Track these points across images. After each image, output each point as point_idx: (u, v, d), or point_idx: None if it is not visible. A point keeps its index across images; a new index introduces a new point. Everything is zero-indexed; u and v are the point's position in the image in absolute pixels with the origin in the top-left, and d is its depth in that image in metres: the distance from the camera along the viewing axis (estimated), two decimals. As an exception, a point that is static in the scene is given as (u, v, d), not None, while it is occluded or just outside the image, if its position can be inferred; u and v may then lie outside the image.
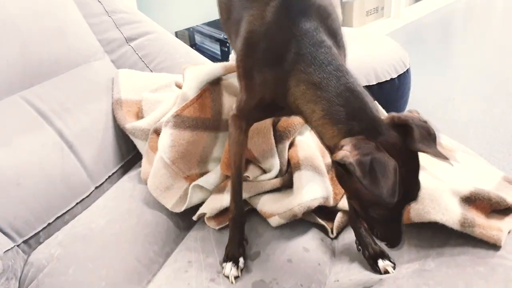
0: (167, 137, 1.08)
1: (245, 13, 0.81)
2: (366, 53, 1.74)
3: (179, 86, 1.30)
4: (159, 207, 1.05)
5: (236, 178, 0.94)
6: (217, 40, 2.55)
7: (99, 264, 0.91)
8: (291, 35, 0.73)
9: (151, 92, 1.30)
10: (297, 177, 1.04)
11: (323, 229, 1.02)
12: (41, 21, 1.19)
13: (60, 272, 0.89)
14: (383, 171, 0.58)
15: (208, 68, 1.14)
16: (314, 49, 0.71)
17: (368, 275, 0.87)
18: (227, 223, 0.98)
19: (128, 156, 1.25)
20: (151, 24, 1.52)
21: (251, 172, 1.08)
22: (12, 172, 0.99)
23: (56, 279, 0.88)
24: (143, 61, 1.43)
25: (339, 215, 1.02)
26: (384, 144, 0.62)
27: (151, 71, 1.44)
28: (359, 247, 0.92)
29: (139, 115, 1.27)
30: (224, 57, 2.54)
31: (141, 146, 1.21)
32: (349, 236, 0.96)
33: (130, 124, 1.20)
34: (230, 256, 0.92)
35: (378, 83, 1.60)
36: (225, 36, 2.43)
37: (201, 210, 1.04)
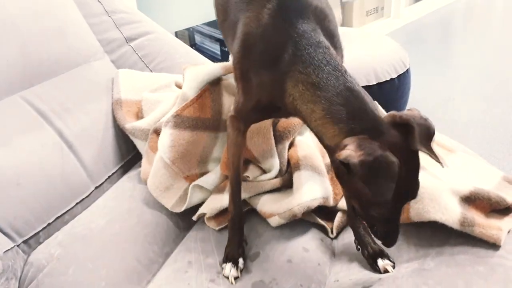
0: (167, 137, 1.08)
1: (242, 15, 0.81)
2: (366, 53, 1.74)
3: (179, 86, 1.30)
4: (159, 207, 1.05)
5: (234, 179, 0.94)
6: (217, 40, 2.55)
7: (99, 264, 0.91)
8: (288, 36, 0.73)
9: (151, 92, 1.30)
10: (297, 177, 1.04)
11: (323, 229, 1.02)
12: (41, 21, 1.19)
13: (60, 272, 0.89)
14: (386, 171, 0.58)
15: (208, 68, 1.14)
16: (312, 50, 0.71)
17: (368, 275, 0.87)
18: (227, 223, 0.98)
19: (128, 156, 1.25)
20: (151, 24, 1.52)
21: (251, 172, 1.08)
22: (12, 172, 0.99)
23: (56, 279, 0.88)
24: (143, 61, 1.43)
25: (339, 215, 1.02)
26: (386, 143, 0.62)
27: (151, 71, 1.44)
28: (358, 246, 0.92)
29: (139, 115, 1.27)
30: (224, 57, 2.54)
31: (141, 146, 1.21)
32: (349, 236, 0.96)
33: (130, 124, 1.20)
34: (230, 256, 0.92)
35: (378, 83, 1.60)
36: (225, 36, 2.43)
37: (201, 210, 1.04)
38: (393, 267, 0.87)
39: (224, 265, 0.92)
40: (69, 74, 1.23)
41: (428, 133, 0.64)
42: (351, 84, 0.69)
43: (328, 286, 0.88)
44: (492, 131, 2.18)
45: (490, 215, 0.89)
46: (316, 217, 1.01)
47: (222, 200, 1.02)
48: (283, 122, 1.12)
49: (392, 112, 0.67)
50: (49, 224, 1.02)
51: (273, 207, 1.00)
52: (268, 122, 1.10)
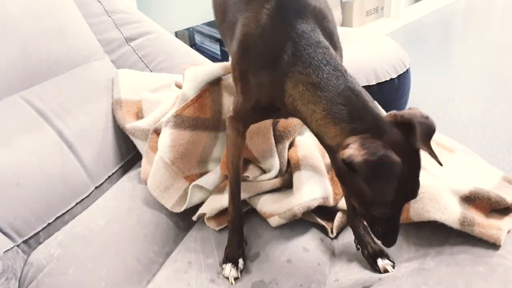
0: (167, 137, 1.08)
1: (240, 16, 0.80)
2: (366, 53, 1.74)
3: (179, 86, 1.30)
4: (159, 207, 1.05)
5: (234, 180, 0.94)
6: (217, 40, 2.55)
7: (98, 264, 0.91)
8: (287, 36, 0.73)
9: (151, 92, 1.30)
10: (296, 177, 1.04)
11: (323, 229, 1.02)
12: (41, 21, 1.19)
13: (60, 272, 0.89)
14: (389, 170, 0.58)
15: (208, 68, 1.14)
16: (311, 50, 0.71)
17: (368, 274, 0.87)
18: (227, 224, 0.98)
19: (128, 156, 1.25)
20: (151, 24, 1.52)
21: (251, 172, 1.08)
22: (12, 172, 0.99)
23: (56, 279, 0.88)
24: (143, 61, 1.44)
25: (338, 215, 1.02)
26: (389, 143, 0.62)
27: (151, 71, 1.44)
28: (358, 246, 0.92)
29: (139, 115, 1.27)
30: (224, 57, 2.54)
31: (141, 146, 1.21)
32: (348, 236, 0.96)
33: (130, 124, 1.20)
34: (230, 257, 0.92)
35: (378, 83, 1.60)
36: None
37: (201, 211, 1.04)
38: (393, 266, 0.87)
39: (224, 265, 0.92)
40: (69, 74, 1.23)
41: (429, 132, 0.64)
42: (352, 84, 0.68)
43: (328, 286, 0.89)
44: (492, 131, 2.18)
45: (490, 215, 0.89)
46: (316, 217, 1.01)
47: (222, 200, 1.02)
48: (283, 122, 1.12)
49: (393, 111, 0.67)
50: (49, 224, 1.02)
51: (273, 207, 1.00)
52: (268, 122, 1.10)
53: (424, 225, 0.89)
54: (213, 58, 2.41)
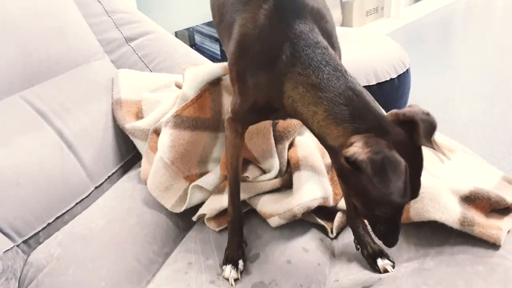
0: (166, 137, 1.08)
1: (238, 16, 0.80)
2: (366, 53, 1.74)
3: (179, 86, 1.30)
4: (159, 207, 1.05)
5: (233, 181, 0.94)
6: (217, 40, 2.55)
7: (98, 264, 0.91)
8: (285, 37, 0.72)
9: (150, 92, 1.30)
10: (296, 177, 1.04)
11: (322, 229, 1.02)
12: (41, 21, 1.19)
13: (59, 272, 0.89)
14: (394, 170, 0.58)
15: (208, 68, 1.14)
16: (310, 51, 0.71)
17: (368, 275, 0.87)
18: (227, 225, 0.98)
19: (128, 156, 1.25)
20: (151, 24, 1.52)
21: (251, 172, 1.08)
22: (12, 172, 0.99)
23: (56, 279, 0.88)
24: (142, 61, 1.43)
25: (338, 215, 1.02)
26: (392, 142, 0.62)
27: (151, 71, 1.44)
28: (358, 246, 0.92)
29: (139, 115, 1.27)
30: (224, 57, 2.53)
31: (141, 146, 1.21)
32: (348, 236, 0.96)
33: (130, 124, 1.20)
34: (230, 258, 0.92)
35: (378, 83, 1.60)
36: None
37: (200, 211, 1.04)
38: (393, 266, 0.87)
39: (224, 267, 0.91)
40: (69, 74, 1.23)
41: (431, 128, 0.64)
42: (352, 84, 0.68)
43: (328, 286, 0.88)
44: (492, 131, 2.18)
45: (490, 215, 0.89)
46: (316, 217, 1.01)
47: (222, 201, 1.02)
48: (282, 122, 1.12)
49: (394, 110, 0.67)
50: (49, 224, 1.02)
51: (273, 207, 1.00)
52: (268, 123, 1.10)
53: (424, 225, 0.88)
54: (213, 58, 2.41)
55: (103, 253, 0.94)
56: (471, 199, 0.89)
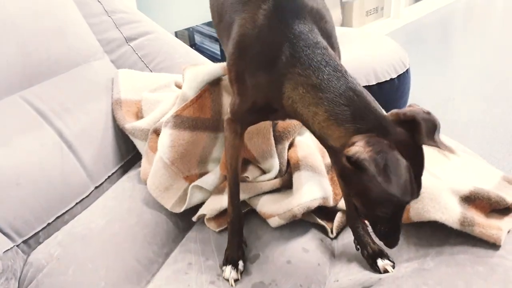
0: (166, 137, 1.08)
1: (237, 16, 0.80)
2: (366, 53, 1.74)
3: (179, 86, 1.30)
4: (159, 207, 1.05)
5: (232, 182, 0.94)
6: (217, 40, 2.55)
7: (98, 264, 0.91)
8: (285, 37, 0.72)
9: (150, 92, 1.30)
10: (296, 177, 1.04)
11: (322, 229, 1.02)
12: (41, 21, 1.19)
13: (59, 272, 0.89)
14: (396, 169, 0.58)
15: (207, 68, 1.14)
16: (310, 51, 0.70)
17: (368, 275, 0.87)
18: (227, 225, 0.97)
19: (128, 156, 1.25)
20: (150, 24, 1.52)
21: (251, 172, 1.08)
22: (11, 172, 0.99)
23: (56, 279, 0.88)
24: (142, 61, 1.43)
25: (338, 215, 1.02)
26: (394, 142, 0.61)
27: (151, 71, 1.44)
28: (358, 246, 0.92)
29: (139, 115, 1.27)
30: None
31: (141, 146, 1.21)
32: (348, 236, 0.96)
33: (130, 124, 1.20)
34: (230, 259, 0.92)
35: (378, 83, 1.60)
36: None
37: (200, 211, 1.04)
38: (393, 267, 0.87)
39: (224, 267, 0.91)
40: (69, 74, 1.22)
41: (433, 127, 0.64)
42: (353, 84, 0.68)
43: (328, 287, 0.88)
44: (492, 131, 2.18)
45: (490, 215, 0.89)
46: (316, 217, 1.01)
47: (222, 201, 1.02)
48: (282, 122, 1.12)
49: (395, 110, 0.67)
50: (48, 224, 1.02)
51: (273, 207, 0.99)
52: (268, 123, 1.10)
53: (424, 225, 0.88)
54: (213, 58, 2.41)
55: (103, 253, 0.94)
56: (471, 199, 0.89)
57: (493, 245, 0.82)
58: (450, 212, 0.85)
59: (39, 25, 1.18)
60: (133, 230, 0.99)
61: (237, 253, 0.93)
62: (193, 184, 1.05)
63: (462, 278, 0.77)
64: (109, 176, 1.17)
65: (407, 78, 1.71)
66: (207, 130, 1.11)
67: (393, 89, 1.64)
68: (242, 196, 1.00)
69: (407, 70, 1.70)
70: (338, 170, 0.72)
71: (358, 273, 0.89)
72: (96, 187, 1.13)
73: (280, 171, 1.09)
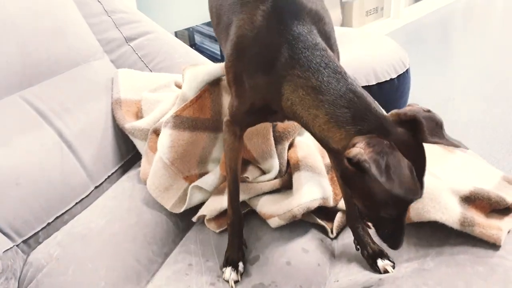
0: (166, 137, 1.07)
1: (235, 17, 0.79)
2: (365, 53, 1.74)
3: (179, 86, 1.30)
4: (158, 207, 1.05)
5: (232, 183, 0.93)
6: (217, 40, 2.55)
7: (98, 264, 0.91)
8: (283, 39, 0.72)
9: (150, 92, 1.30)
10: (296, 178, 1.04)
11: (322, 230, 1.02)
12: (41, 21, 1.19)
13: (59, 272, 0.89)
14: (398, 169, 0.57)
15: (207, 68, 1.14)
16: (309, 53, 0.70)
17: (368, 275, 0.87)
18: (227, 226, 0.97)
19: (128, 156, 1.25)
20: (150, 24, 1.52)
21: (251, 173, 1.08)
22: (11, 172, 0.98)
23: (55, 279, 0.88)
24: (142, 61, 1.43)
25: (338, 215, 1.02)
26: (396, 142, 0.61)
27: (151, 71, 1.44)
28: (358, 246, 0.92)
29: (139, 115, 1.27)
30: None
31: (141, 146, 1.21)
32: (348, 236, 0.96)
33: (130, 124, 1.20)
34: (230, 260, 0.92)
35: (378, 83, 1.60)
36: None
37: (200, 212, 1.04)
38: (393, 267, 0.87)
39: (224, 269, 0.91)
40: (68, 74, 1.22)
41: (435, 124, 0.64)
42: (353, 86, 0.68)
43: (328, 287, 0.88)
44: (492, 131, 2.18)
45: (490, 215, 0.89)
46: (316, 217, 1.01)
47: (222, 202, 1.02)
48: (282, 123, 1.12)
49: (395, 110, 0.67)
50: (48, 224, 1.02)
51: (273, 208, 0.99)
52: (267, 123, 1.10)
53: (424, 225, 0.88)
54: (213, 58, 2.41)
55: (102, 253, 0.94)
56: (471, 199, 0.89)
57: (493, 245, 0.82)
58: (450, 212, 0.85)
59: (39, 25, 1.18)
60: (133, 230, 0.99)
61: (237, 254, 0.93)
62: (193, 184, 1.05)
63: (462, 278, 0.76)
64: (109, 176, 1.17)
65: (407, 78, 1.71)
66: (207, 130, 1.11)
67: (393, 89, 1.64)
68: (242, 196, 1.00)
69: (407, 70, 1.70)
70: (340, 172, 0.71)
71: (358, 273, 0.89)
72: (96, 187, 1.13)
73: (280, 171, 1.09)
